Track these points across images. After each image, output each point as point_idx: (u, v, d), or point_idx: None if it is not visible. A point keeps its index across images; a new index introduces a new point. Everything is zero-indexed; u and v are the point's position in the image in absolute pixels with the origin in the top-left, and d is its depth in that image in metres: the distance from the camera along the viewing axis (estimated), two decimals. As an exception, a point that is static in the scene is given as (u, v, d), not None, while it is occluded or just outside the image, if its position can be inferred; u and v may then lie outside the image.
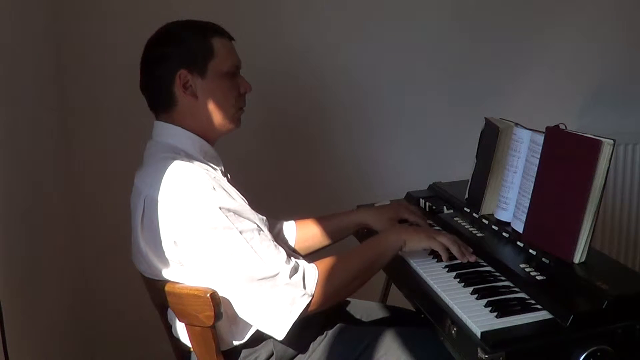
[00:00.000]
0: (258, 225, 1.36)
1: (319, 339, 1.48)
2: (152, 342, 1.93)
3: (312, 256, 1.67)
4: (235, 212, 1.32)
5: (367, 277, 1.44)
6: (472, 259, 1.48)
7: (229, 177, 1.55)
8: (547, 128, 1.42)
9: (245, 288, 1.31)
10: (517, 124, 1.60)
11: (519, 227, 1.49)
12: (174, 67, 1.41)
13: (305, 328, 1.40)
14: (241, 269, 1.30)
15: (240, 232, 1.31)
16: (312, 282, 1.34)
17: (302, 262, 1.38)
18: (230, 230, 1.30)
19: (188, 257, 1.33)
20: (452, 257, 1.49)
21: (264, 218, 1.43)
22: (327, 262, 1.40)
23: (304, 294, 1.33)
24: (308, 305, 1.33)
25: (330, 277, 1.37)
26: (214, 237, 1.30)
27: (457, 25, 2.50)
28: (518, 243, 1.47)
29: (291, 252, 1.57)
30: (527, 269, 1.36)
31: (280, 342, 1.35)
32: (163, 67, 1.42)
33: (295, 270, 1.34)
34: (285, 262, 1.33)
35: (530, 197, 1.45)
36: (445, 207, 1.79)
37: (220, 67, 1.44)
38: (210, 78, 1.43)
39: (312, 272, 1.36)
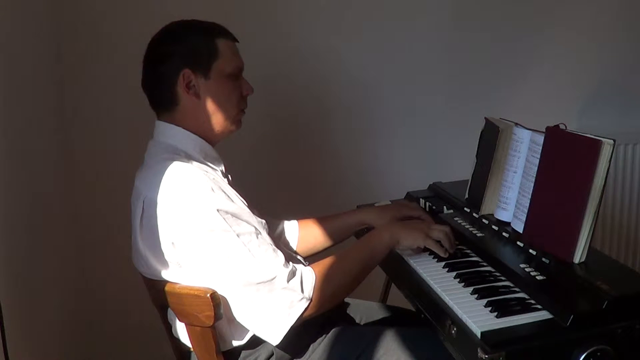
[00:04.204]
0: (256, 228, 1.35)
1: (318, 339, 1.48)
2: (152, 342, 1.93)
3: (311, 258, 1.67)
4: (233, 215, 1.32)
5: (363, 277, 1.45)
6: (452, 250, 1.51)
7: (230, 178, 1.55)
8: (547, 128, 1.42)
9: (242, 292, 1.31)
10: (517, 124, 1.60)
11: (519, 227, 1.49)
12: (178, 66, 1.41)
13: (305, 329, 1.40)
14: (238, 272, 1.30)
15: (238, 235, 1.31)
16: (310, 286, 1.34)
17: (300, 266, 1.38)
18: (228, 233, 1.30)
19: (186, 258, 1.33)
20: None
21: (263, 221, 1.43)
22: (323, 265, 1.40)
23: (302, 298, 1.33)
24: (306, 309, 1.33)
25: (327, 280, 1.37)
26: (211, 240, 1.30)
27: (457, 25, 2.49)
28: (518, 243, 1.47)
29: (291, 255, 1.57)
30: (527, 269, 1.36)
31: (280, 343, 1.35)
32: (167, 66, 1.42)
33: (293, 274, 1.34)
34: (283, 265, 1.33)
35: (530, 197, 1.45)
36: (445, 207, 1.79)
37: (224, 68, 1.43)
38: (213, 79, 1.43)
39: (309, 276, 1.36)
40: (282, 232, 1.75)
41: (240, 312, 1.33)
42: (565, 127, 1.40)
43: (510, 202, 1.56)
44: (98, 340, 2.34)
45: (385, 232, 1.50)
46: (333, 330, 1.50)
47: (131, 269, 1.49)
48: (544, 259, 1.37)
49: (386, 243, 1.48)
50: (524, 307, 1.24)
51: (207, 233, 1.30)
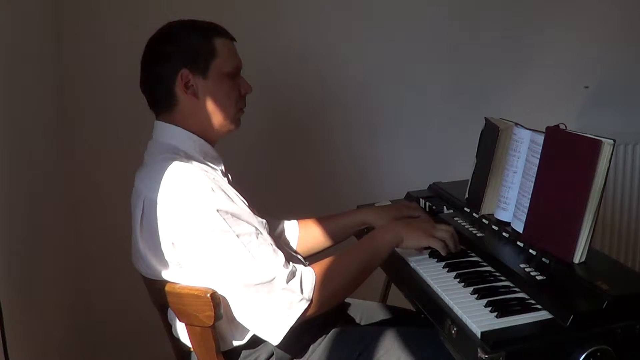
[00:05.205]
0: (257, 229, 1.35)
1: (318, 339, 1.48)
2: (152, 342, 1.93)
3: (312, 258, 1.67)
4: (233, 215, 1.32)
5: (364, 277, 1.44)
6: (456, 250, 1.51)
7: (230, 177, 1.55)
8: (547, 128, 1.42)
9: (241, 292, 1.31)
10: (517, 124, 1.60)
11: (519, 227, 1.49)
12: (176, 67, 1.41)
13: (305, 329, 1.40)
14: (237, 273, 1.30)
15: (238, 236, 1.30)
16: (310, 286, 1.34)
17: (300, 266, 1.38)
18: (228, 234, 1.30)
19: (186, 258, 1.34)
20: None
21: (264, 221, 1.43)
22: (324, 265, 1.39)
23: (302, 299, 1.32)
24: (306, 309, 1.33)
25: (327, 281, 1.36)
26: (211, 240, 1.30)
27: (457, 25, 2.50)
28: (518, 243, 1.47)
29: (291, 255, 1.57)
30: (527, 269, 1.36)
31: (280, 343, 1.35)
32: (165, 66, 1.42)
33: (292, 274, 1.33)
34: (283, 266, 1.33)
35: (530, 197, 1.45)
36: (445, 207, 1.79)
37: (222, 68, 1.43)
38: (211, 78, 1.43)
39: (309, 276, 1.35)
40: (282, 232, 1.74)
41: (240, 312, 1.33)
42: (565, 127, 1.40)
43: (510, 202, 1.56)
44: (98, 340, 2.34)
45: (389, 231, 1.50)
46: (333, 330, 1.50)
47: (131, 269, 1.49)
48: (544, 259, 1.37)
49: (389, 242, 1.48)
50: (524, 307, 1.24)
51: (207, 233, 1.30)
